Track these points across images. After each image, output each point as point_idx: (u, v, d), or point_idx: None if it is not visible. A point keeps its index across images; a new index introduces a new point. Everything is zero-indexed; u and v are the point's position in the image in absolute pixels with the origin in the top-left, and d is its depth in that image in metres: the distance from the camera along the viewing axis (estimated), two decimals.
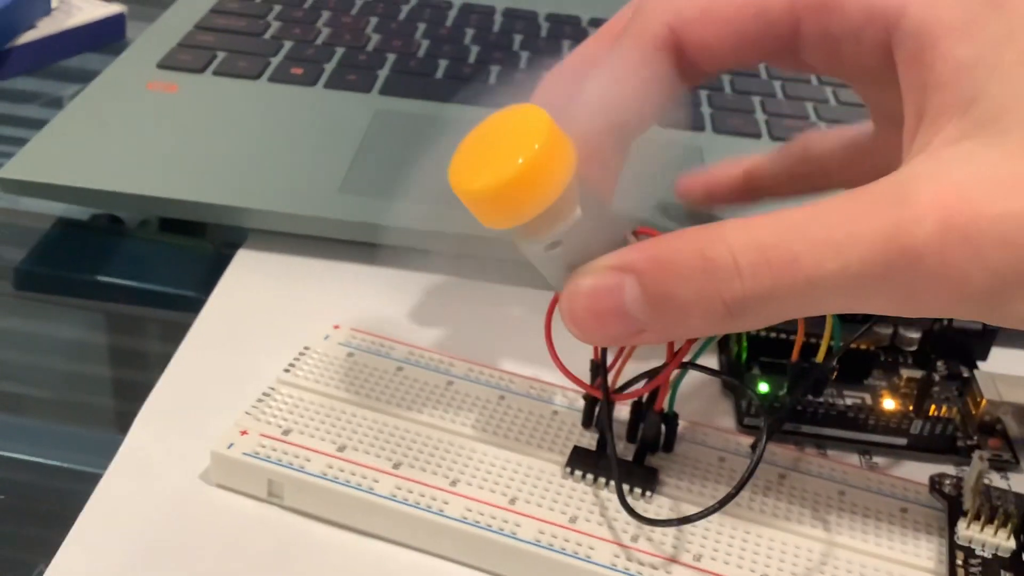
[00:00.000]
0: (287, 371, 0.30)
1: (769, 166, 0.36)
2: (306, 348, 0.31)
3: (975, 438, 0.31)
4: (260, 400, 0.29)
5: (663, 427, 0.28)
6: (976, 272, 0.21)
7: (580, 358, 0.28)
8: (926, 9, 0.24)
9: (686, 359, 0.27)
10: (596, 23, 0.56)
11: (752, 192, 0.37)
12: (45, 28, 0.52)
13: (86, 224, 0.41)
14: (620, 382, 0.28)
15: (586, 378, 0.28)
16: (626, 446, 0.29)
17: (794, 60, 0.28)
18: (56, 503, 0.29)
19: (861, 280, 0.22)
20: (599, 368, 0.28)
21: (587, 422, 0.30)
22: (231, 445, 0.28)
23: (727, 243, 0.23)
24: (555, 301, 0.27)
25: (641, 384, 0.28)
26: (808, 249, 0.22)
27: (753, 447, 0.29)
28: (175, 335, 0.34)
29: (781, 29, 0.27)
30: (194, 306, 0.35)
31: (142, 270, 0.38)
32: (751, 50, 0.27)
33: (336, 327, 0.33)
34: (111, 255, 0.39)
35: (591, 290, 0.24)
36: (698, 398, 0.32)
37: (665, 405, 0.28)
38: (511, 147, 0.23)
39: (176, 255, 0.40)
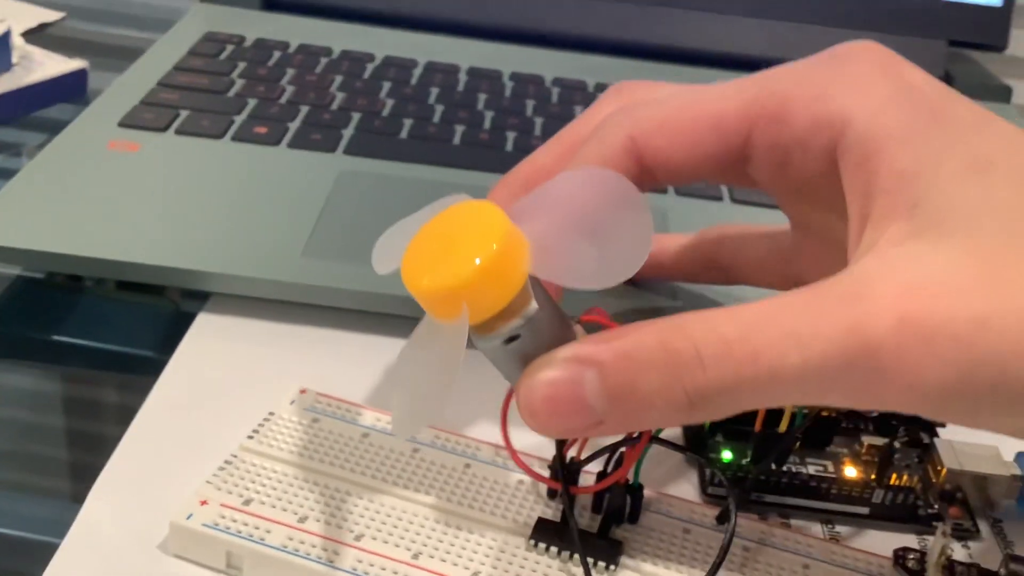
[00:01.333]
0: (251, 437, 0.30)
1: (679, 249, 0.37)
2: (271, 413, 0.31)
3: (936, 507, 0.31)
4: (222, 468, 0.29)
5: (628, 498, 0.28)
6: (932, 368, 0.22)
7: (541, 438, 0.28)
8: (871, 118, 0.25)
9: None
10: (559, 82, 0.56)
11: (657, 269, 0.37)
12: (5, 84, 0.51)
13: (42, 281, 0.40)
14: (584, 454, 0.28)
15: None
16: (591, 516, 0.29)
17: (742, 174, 0.29)
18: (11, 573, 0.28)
19: (822, 373, 0.22)
20: (560, 455, 0.28)
21: (552, 493, 0.29)
22: (190, 515, 0.27)
23: (689, 335, 0.23)
24: (511, 395, 0.27)
25: (604, 461, 0.28)
26: (770, 342, 0.23)
27: (718, 519, 0.29)
28: (134, 398, 0.33)
29: (734, 139, 0.28)
30: (153, 367, 0.35)
31: (99, 329, 0.38)
32: (705, 161, 0.29)
33: (303, 391, 0.32)
34: (68, 314, 0.39)
35: (550, 382, 0.24)
36: (662, 465, 0.32)
37: (630, 476, 0.28)
38: (468, 245, 0.23)
39: (135, 313, 0.40)
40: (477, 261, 0.23)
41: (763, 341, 0.23)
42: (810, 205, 0.30)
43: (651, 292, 0.38)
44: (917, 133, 0.25)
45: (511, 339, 0.25)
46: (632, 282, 0.38)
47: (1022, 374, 0.21)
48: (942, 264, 0.23)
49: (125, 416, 0.33)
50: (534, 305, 0.24)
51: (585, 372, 0.24)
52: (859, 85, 0.26)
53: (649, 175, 0.29)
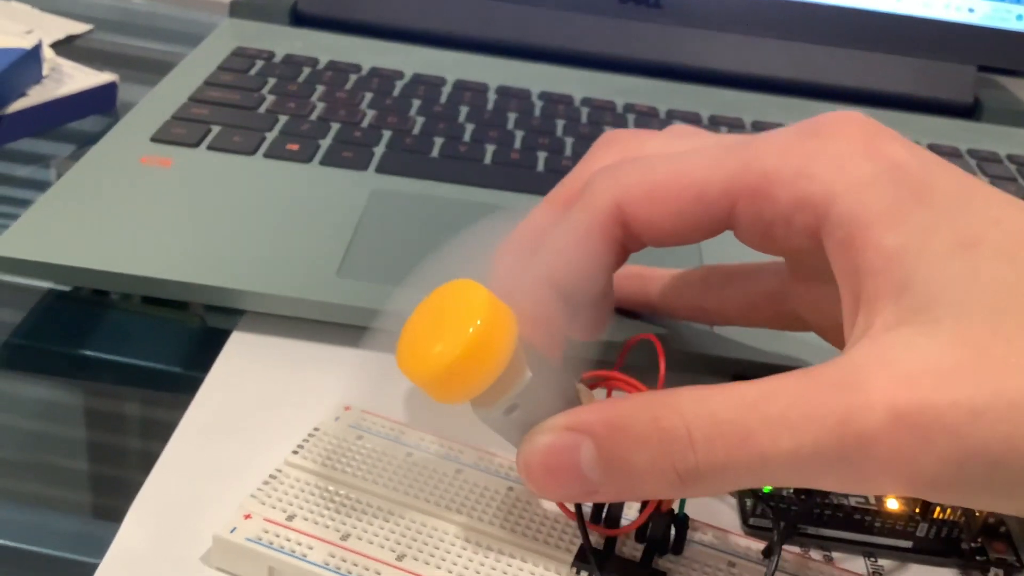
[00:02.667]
0: (295, 452, 0.30)
1: (664, 287, 0.37)
2: (316, 429, 0.31)
3: (979, 540, 0.31)
4: (266, 482, 0.29)
5: (672, 529, 0.28)
6: (926, 459, 0.22)
7: None
8: (854, 199, 0.25)
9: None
10: (589, 102, 0.56)
11: (644, 307, 0.37)
12: (36, 96, 0.51)
13: (68, 295, 0.40)
14: None
15: None
16: (634, 546, 0.28)
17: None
18: None
19: (814, 459, 0.23)
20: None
21: (595, 519, 0.29)
22: (234, 529, 0.27)
23: (682, 414, 0.24)
24: None
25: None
26: (763, 427, 0.23)
27: (764, 553, 0.29)
28: (165, 413, 0.33)
29: (717, 211, 0.28)
30: (183, 383, 0.35)
31: (128, 344, 0.38)
32: (690, 228, 0.29)
33: (347, 408, 0.32)
34: (95, 328, 0.38)
35: (547, 449, 0.25)
36: None
37: (675, 506, 0.28)
38: (453, 325, 0.24)
39: (162, 328, 0.39)
40: (463, 338, 0.24)
41: (755, 425, 0.23)
42: (798, 264, 0.31)
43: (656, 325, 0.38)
44: (902, 212, 0.25)
45: (511, 409, 0.25)
46: (633, 315, 0.38)
47: (1016, 462, 0.22)
48: (934, 351, 0.23)
49: (156, 432, 0.32)
50: (528, 374, 0.25)
51: (581, 441, 0.25)
52: (841, 163, 0.26)
53: (635, 238, 0.29)
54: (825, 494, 0.30)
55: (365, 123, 0.50)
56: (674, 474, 0.24)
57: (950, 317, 0.23)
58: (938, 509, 0.31)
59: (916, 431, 0.22)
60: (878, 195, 0.25)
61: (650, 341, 0.29)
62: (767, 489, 0.31)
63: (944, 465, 0.22)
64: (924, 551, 0.31)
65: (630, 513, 0.29)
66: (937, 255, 0.24)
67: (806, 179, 0.26)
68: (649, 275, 0.37)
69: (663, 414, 0.24)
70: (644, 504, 0.28)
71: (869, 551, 0.31)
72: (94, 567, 0.27)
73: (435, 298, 0.26)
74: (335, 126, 0.49)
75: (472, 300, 0.25)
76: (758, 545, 0.29)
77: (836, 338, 0.27)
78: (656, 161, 0.29)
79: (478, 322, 0.24)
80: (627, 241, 0.29)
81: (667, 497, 0.26)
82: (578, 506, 0.27)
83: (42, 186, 0.47)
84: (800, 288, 0.32)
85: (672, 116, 0.56)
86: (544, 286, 0.28)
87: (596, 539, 0.28)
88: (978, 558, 0.30)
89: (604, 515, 0.28)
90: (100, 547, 0.28)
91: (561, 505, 0.28)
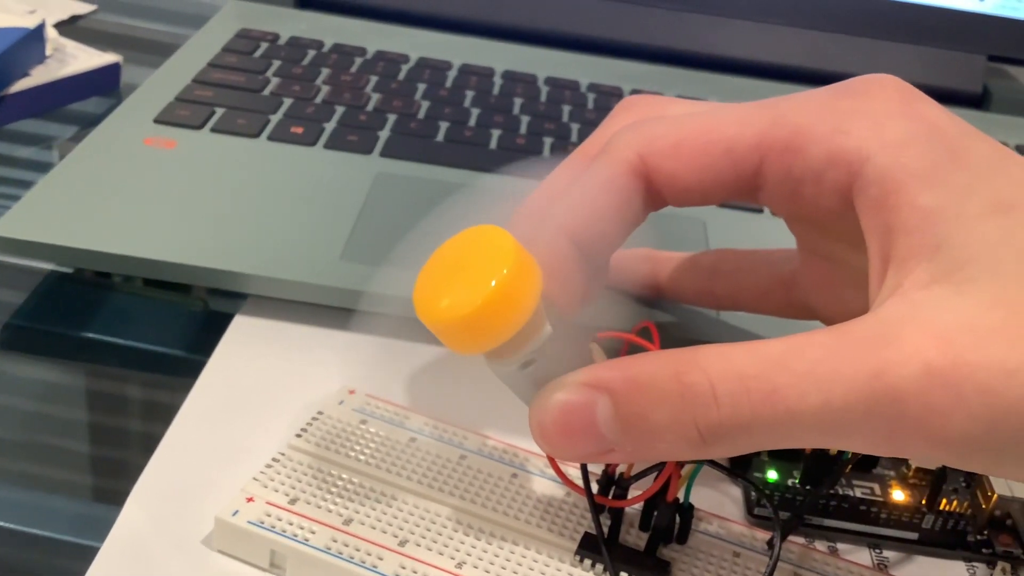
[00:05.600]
0: (299, 436, 0.30)
1: (674, 271, 0.36)
2: (320, 412, 0.31)
3: (985, 533, 0.31)
4: (269, 465, 0.29)
5: (677, 517, 0.28)
6: (958, 417, 0.22)
7: None
8: (890, 157, 0.25)
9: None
10: (595, 88, 0.56)
11: (653, 290, 0.37)
12: (39, 76, 0.51)
13: (70, 277, 0.40)
14: (634, 471, 0.28)
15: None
16: (638, 534, 0.28)
17: (752, 199, 0.29)
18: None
19: (842, 416, 0.22)
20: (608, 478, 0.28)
21: (600, 507, 0.29)
22: (236, 512, 0.27)
23: (704, 370, 0.23)
24: None
25: (654, 478, 0.28)
26: (790, 382, 0.22)
27: (770, 544, 0.28)
28: (166, 397, 0.33)
29: (746, 167, 0.27)
30: (185, 366, 0.35)
31: (130, 327, 0.38)
32: (715, 186, 0.28)
33: (351, 392, 0.32)
34: (97, 311, 0.38)
35: (562, 406, 0.24)
36: (704, 482, 0.32)
37: (680, 495, 0.28)
38: (478, 272, 0.23)
39: (164, 311, 0.39)
40: (489, 286, 0.23)
41: (783, 380, 0.22)
42: (820, 233, 0.30)
43: (664, 310, 0.38)
44: (938, 173, 0.24)
45: (527, 363, 0.25)
46: (638, 299, 0.38)
47: None
48: (968, 311, 0.22)
49: (158, 415, 0.32)
50: (548, 328, 0.24)
51: (598, 398, 0.24)
52: (878, 121, 0.26)
53: (657, 195, 0.28)
54: (832, 484, 0.30)
55: (370, 107, 0.50)
56: (695, 432, 0.23)
57: (985, 278, 0.23)
58: (944, 501, 0.30)
59: (949, 388, 0.21)
60: (915, 155, 0.25)
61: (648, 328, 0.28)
62: (771, 480, 0.31)
63: (975, 424, 0.21)
64: (930, 543, 0.30)
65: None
66: (973, 217, 0.23)
67: (841, 135, 0.26)
68: (659, 257, 0.37)
69: (685, 370, 0.23)
70: (657, 474, 0.28)
71: (875, 543, 0.31)
72: (95, 550, 0.27)
73: (457, 242, 0.25)
74: (340, 109, 0.49)
75: (498, 247, 0.24)
76: (763, 535, 0.29)
77: None
78: (683, 117, 0.28)
79: (504, 271, 0.23)
80: (648, 198, 0.28)
81: (686, 458, 0.25)
82: (587, 486, 0.27)
83: (44, 167, 0.46)
84: (811, 268, 0.32)
85: None
86: (562, 237, 0.27)
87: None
88: (984, 551, 0.30)
89: (612, 490, 0.28)
90: (102, 530, 0.28)
91: (569, 482, 0.28)
